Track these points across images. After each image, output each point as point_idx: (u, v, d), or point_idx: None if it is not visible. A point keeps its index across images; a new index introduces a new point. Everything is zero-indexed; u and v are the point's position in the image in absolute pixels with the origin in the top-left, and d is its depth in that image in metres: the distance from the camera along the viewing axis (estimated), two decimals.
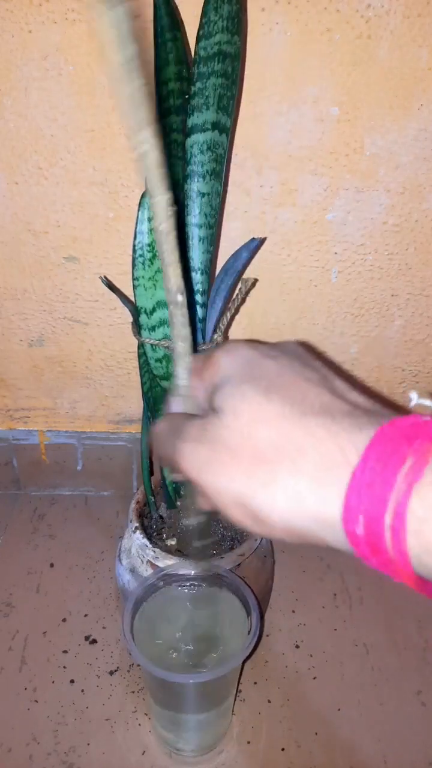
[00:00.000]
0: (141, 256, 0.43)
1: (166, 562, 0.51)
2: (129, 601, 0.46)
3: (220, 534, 0.57)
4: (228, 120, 0.43)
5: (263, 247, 0.58)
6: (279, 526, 0.24)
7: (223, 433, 0.26)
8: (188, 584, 0.50)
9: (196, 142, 0.42)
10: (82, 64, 0.49)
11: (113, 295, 0.51)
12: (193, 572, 0.49)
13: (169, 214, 0.26)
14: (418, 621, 0.62)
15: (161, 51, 0.43)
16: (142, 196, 0.41)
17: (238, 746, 0.51)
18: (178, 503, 0.60)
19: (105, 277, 0.51)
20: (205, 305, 0.48)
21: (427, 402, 0.30)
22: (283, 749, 0.51)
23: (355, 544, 0.22)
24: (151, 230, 0.42)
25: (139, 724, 0.52)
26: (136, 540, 0.54)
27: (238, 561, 0.53)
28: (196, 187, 0.43)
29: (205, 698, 0.45)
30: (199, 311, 0.48)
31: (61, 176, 0.54)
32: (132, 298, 0.47)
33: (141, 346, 0.51)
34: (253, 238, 0.48)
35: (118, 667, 0.57)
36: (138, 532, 0.55)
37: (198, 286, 0.46)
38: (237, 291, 0.49)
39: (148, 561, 0.53)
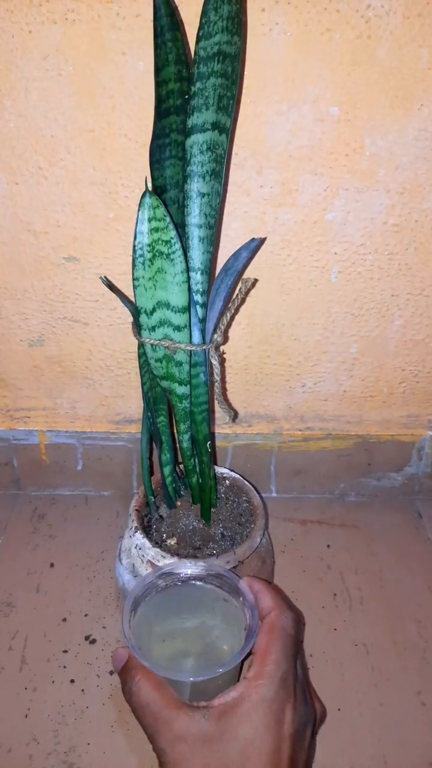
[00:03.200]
0: (141, 256, 0.43)
1: (166, 562, 0.52)
2: (128, 599, 0.46)
3: (219, 534, 0.57)
4: (228, 120, 0.43)
5: (263, 247, 0.58)
6: None
7: (219, 753, 0.34)
8: (187, 583, 0.50)
9: (196, 142, 0.42)
10: (82, 64, 0.49)
11: (113, 295, 0.51)
12: (192, 571, 0.49)
13: None
14: (418, 621, 0.62)
15: (161, 51, 0.43)
16: (142, 196, 0.41)
17: None
18: (178, 503, 0.60)
19: (105, 277, 0.51)
20: (204, 305, 0.48)
21: None
22: None
23: None
24: (151, 230, 0.42)
25: None
26: (136, 540, 0.54)
27: (238, 561, 0.53)
28: (195, 187, 0.43)
29: (204, 696, 0.45)
30: (199, 311, 0.48)
31: (61, 176, 0.54)
32: (132, 298, 0.47)
33: (141, 346, 0.51)
34: (253, 238, 0.48)
35: None
36: (138, 532, 0.55)
37: (198, 286, 0.46)
38: (237, 291, 0.49)
39: (148, 561, 0.53)
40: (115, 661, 0.42)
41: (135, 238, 0.42)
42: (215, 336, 0.49)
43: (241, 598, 0.47)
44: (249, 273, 0.59)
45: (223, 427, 0.72)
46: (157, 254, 0.43)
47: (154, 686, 0.39)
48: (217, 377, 0.51)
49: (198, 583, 0.49)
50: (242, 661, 0.43)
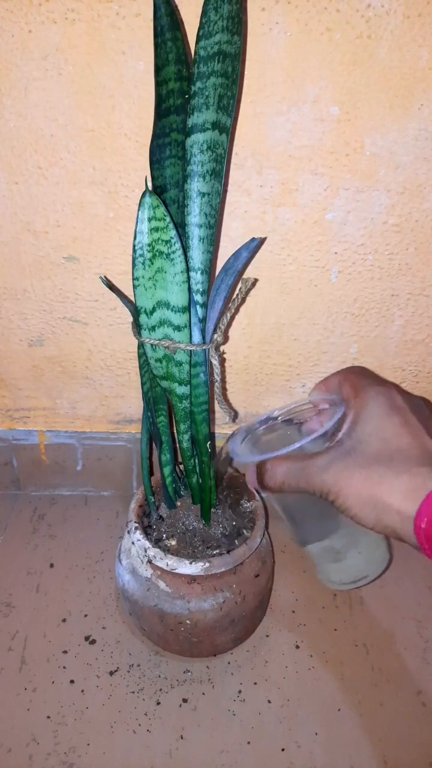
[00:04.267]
0: (141, 256, 0.43)
1: (166, 562, 0.52)
2: (236, 438, 0.48)
3: (220, 534, 0.57)
4: (228, 120, 0.43)
5: (263, 247, 0.58)
6: (386, 513, 0.37)
7: (364, 448, 0.39)
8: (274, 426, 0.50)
9: (196, 141, 0.42)
10: (82, 63, 0.49)
11: (113, 295, 0.51)
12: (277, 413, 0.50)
13: None
14: (418, 621, 0.62)
15: (161, 51, 0.43)
16: (142, 196, 0.41)
17: (238, 746, 0.51)
18: (178, 503, 0.60)
19: (105, 277, 0.51)
20: (205, 305, 0.48)
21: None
22: (283, 749, 0.51)
23: (417, 534, 0.35)
24: (151, 230, 0.42)
25: (139, 725, 0.52)
26: (136, 540, 0.54)
27: (239, 561, 0.53)
28: (196, 186, 0.43)
29: None
30: (199, 311, 0.48)
31: (61, 176, 0.54)
32: (132, 298, 0.47)
33: (141, 346, 0.51)
34: (253, 238, 0.48)
35: (118, 668, 0.57)
36: (138, 532, 0.55)
37: (198, 286, 0.46)
38: (237, 291, 0.49)
39: (148, 561, 0.53)
40: (251, 480, 0.47)
41: (135, 237, 0.42)
42: (215, 336, 0.49)
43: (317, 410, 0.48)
44: (249, 273, 0.59)
45: (223, 427, 0.72)
46: (157, 254, 0.43)
47: (282, 460, 0.43)
48: (217, 377, 0.51)
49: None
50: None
